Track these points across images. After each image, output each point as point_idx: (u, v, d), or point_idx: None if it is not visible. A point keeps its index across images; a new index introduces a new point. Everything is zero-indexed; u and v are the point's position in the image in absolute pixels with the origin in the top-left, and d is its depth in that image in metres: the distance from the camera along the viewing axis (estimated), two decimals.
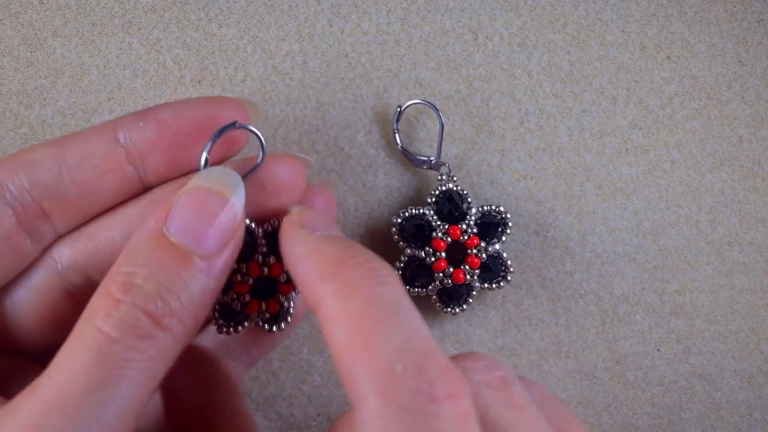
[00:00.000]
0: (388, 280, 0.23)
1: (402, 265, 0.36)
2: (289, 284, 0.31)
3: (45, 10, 0.37)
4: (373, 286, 0.22)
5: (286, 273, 0.30)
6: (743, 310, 0.39)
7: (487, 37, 0.39)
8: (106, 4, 0.37)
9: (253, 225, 0.30)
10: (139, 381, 0.22)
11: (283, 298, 0.31)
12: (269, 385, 0.38)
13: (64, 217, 0.30)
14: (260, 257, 0.30)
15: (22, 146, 0.37)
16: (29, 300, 0.30)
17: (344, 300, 0.22)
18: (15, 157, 0.28)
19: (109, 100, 0.37)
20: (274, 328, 0.31)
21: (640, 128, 0.39)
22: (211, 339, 0.34)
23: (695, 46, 0.40)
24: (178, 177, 0.31)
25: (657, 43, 0.40)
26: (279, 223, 0.29)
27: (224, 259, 0.25)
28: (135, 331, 0.22)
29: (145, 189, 0.31)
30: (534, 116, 0.39)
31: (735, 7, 0.40)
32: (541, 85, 0.39)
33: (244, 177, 0.29)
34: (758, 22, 0.40)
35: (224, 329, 0.30)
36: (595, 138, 0.39)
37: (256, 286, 0.30)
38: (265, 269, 0.30)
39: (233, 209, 0.25)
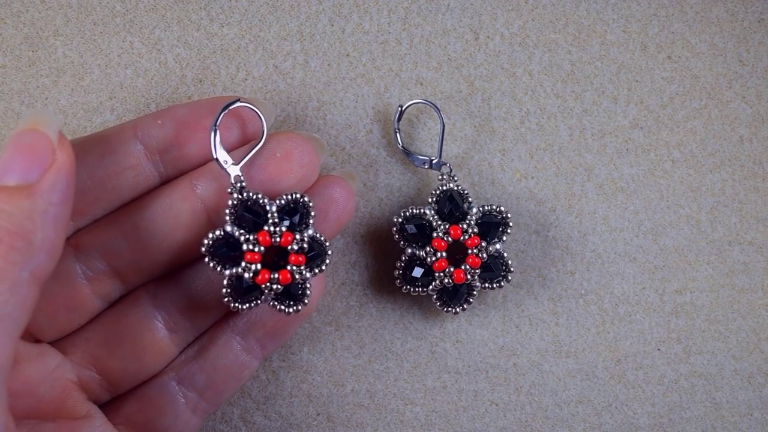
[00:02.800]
0: None
1: (403, 264, 0.36)
2: (300, 254, 0.31)
3: (46, 9, 0.37)
4: None
5: (298, 242, 0.32)
6: (744, 309, 0.39)
7: (488, 37, 0.39)
8: (108, 3, 0.37)
9: (265, 200, 0.32)
10: None
11: (296, 269, 0.31)
12: (269, 385, 0.38)
13: (82, 213, 0.32)
14: (271, 227, 0.31)
15: None
16: (47, 287, 0.31)
17: None
18: None
19: (111, 99, 0.37)
20: (291, 309, 0.32)
21: (641, 128, 0.39)
22: (228, 333, 0.34)
23: (696, 46, 0.40)
24: (196, 168, 0.33)
25: (658, 42, 0.40)
26: (291, 198, 0.32)
27: (49, 179, 0.27)
28: None
29: (163, 182, 0.33)
30: (535, 116, 0.39)
31: (736, 6, 0.40)
32: (542, 84, 0.39)
33: (252, 150, 0.32)
34: (759, 21, 0.40)
35: (236, 305, 0.31)
36: (596, 138, 0.39)
37: (268, 260, 0.32)
38: (277, 238, 0.32)
39: (43, 135, 0.27)
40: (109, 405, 0.33)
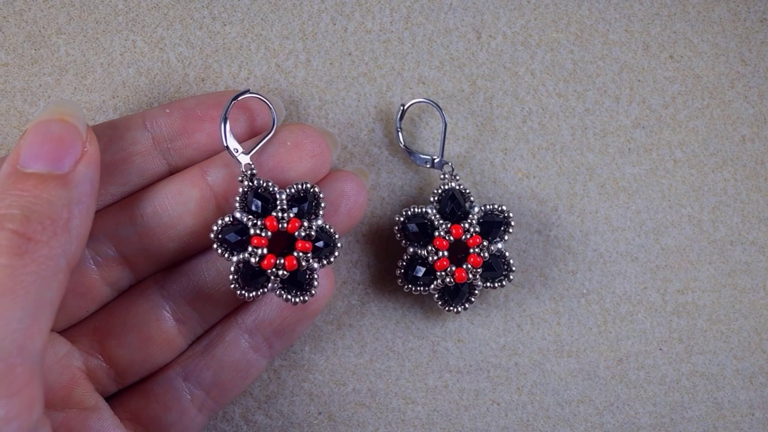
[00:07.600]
0: None
1: (404, 263, 0.36)
2: (307, 241, 0.32)
3: (49, 7, 0.37)
4: None
5: (305, 229, 0.32)
6: (745, 309, 0.39)
7: (490, 36, 0.39)
8: (110, 1, 0.38)
9: (275, 188, 0.32)
10: (36, 288, 0.24)
11: (303, 256, 0.32)
12: (270, 384, 0.38)
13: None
14: (279, 213, 0.32)
15: None
16: None
17: None
18: None
19: (114, 98, 0.37)
20: (298, 299, 0.32)
21: (643, 127, 0.39)
22: (236, 330, 0.34)
23: (698, 46, 0.40)
24: (204, 158, 0.33)
25: (660, 42, 0.40)
26: (302, 187, 0.32)
27: (81, 170, 0.27)
28: (10, 251, 0.24)
29: (172, 171, 0.33)
30: (537, 115, 0.39)
31: (738, 6, 0.40)
32: (544, 83, 0.39)
33: (263, 140, 0.33)
34: (761, 21, 0.40)
35: (243, 292, 0.31)
36: (597, 137, 0.39)
37: (277, 250, 0.32)
38: (284, 224, 0.32)
39: (73, 127, 0.28)
40: (115, 399, 0.33)
